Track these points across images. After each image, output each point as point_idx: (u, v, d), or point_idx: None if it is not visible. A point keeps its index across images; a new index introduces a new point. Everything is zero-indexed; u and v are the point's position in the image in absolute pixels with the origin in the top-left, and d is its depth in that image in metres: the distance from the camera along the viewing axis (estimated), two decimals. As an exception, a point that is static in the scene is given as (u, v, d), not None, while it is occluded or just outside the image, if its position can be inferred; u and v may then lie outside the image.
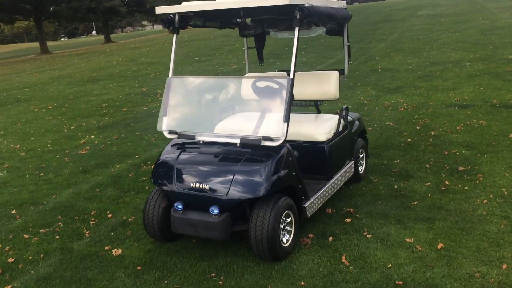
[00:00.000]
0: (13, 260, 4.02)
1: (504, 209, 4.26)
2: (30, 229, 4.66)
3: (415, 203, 4.56)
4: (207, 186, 3.67)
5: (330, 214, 4.47)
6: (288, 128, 3.66)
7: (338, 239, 3.95)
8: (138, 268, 3.74)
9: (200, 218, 3.61)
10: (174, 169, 3.87)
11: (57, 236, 4.44)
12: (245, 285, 3.39)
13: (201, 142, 4.00)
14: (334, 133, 4.57)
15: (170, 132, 4.14)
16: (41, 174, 6.49)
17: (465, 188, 4.79)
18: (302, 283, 3.36)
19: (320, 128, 4.48)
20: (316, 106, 5.10)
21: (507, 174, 5.02)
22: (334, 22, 4.55)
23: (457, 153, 5.85)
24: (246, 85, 4.46)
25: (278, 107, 3.77)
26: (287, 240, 3.74)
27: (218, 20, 4.69)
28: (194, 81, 4.38)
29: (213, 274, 3.55)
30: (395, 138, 6.74)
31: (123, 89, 14.17)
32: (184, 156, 3.95)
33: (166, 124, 4.16)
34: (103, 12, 54.58)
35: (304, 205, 3.93)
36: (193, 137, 4.03)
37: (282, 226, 3.67)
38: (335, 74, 4.87)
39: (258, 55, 5.78)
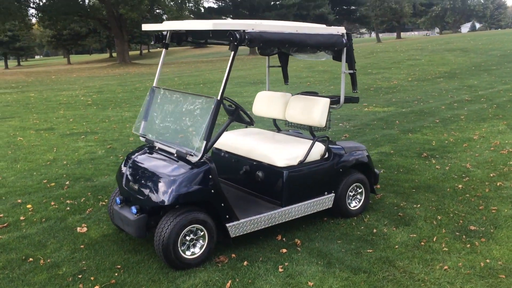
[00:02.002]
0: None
1: None
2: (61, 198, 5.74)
3: (370, 251, 4.19)
4: (137, 187, 4.12)
5: (276, 240, 4.42)
6: (207, 146, 3.87)
7: (252, 266, 3.95)
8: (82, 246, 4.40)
9: (125, 214, 4.08)
10: (125, 167, 4.41)
11: (68, 208, 5.39)
12: (142, 281, 3.72)
13: (156, 148, 4.45)
14: (300, 160, 4.48)
15: (141, 135, 4.69)
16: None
17: (450, 250, 4.18)
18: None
19: (282, 153, 4.46)
20: (310, 131, 5.02)
21: None
22: (306, 48, 4.46)
23: (494, 211, 5.00)
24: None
25: (201, 125, 3.98)
26: (193, 253, 3.93)
27: (199, 39, 5.00)
28: (167, 93, 4.80)
29: (119, 266, 3.99)
30: (448, 181, 6.02)
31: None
32: (136, 157, 4.46)
33: (140, 127, 4.73)
34: (312, 20, 57.12)
35: (226, 224, 4.04)
36: (153, 142, 4.51)
37: (188, 238, 3.88)
38: (324, 101, 4.75)
39: (283, 74, 5.87)
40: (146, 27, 4.52)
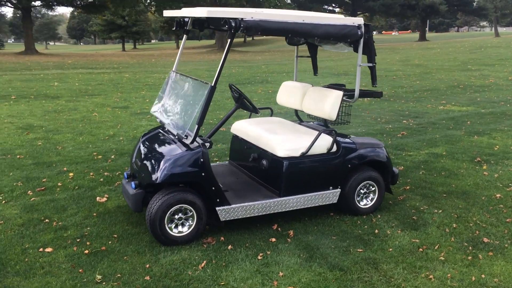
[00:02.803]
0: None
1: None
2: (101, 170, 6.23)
3: (360, 250, 4.06)
4: (139, 164, 4.39)
5: (271, 229, 4.45)
6: (198, 130, 4.02)
7: (235, 250, 4.02)
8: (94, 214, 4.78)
9: (127, 189, 4.37)
10: (137, 145, 4.71)
11: (101, 179, 5.86)
12: (129, 251, 4.00)
13: (166, 130, 4.68)
14: (302, 152, 4.45)
15: (153, 114, 4.97)
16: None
17: (447, 260, 3.92)
18: (147, 265, 3.76)
19: (285, 143, 4.46)
20: (325, 123, 4.93)
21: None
22: (314, 38, 4.37)
23: (521, 225, 4.57)
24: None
25: (195, 110, 4.12)
26: (180, 231, 4.11)
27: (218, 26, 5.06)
28: (178, 77, 4.96)
29: (115, 235, 4.29)
30: (488, 189, 5.58)
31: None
32: (147, 137, 4.73)
33: (154, 108, 5.00)
34: (422, 9, 54.26)
35: (216, 208, 4.17)
36: (163, 123, 4.75)
37: (177, 217, 4.07)
38: (336, 94, 4.64)
39: (312, 65, 5.79)
40: (169, 13, 4.69)
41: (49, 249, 3.99)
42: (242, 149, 5.13)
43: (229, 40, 3.97)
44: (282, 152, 4.40)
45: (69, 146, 7.43)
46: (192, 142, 4.08)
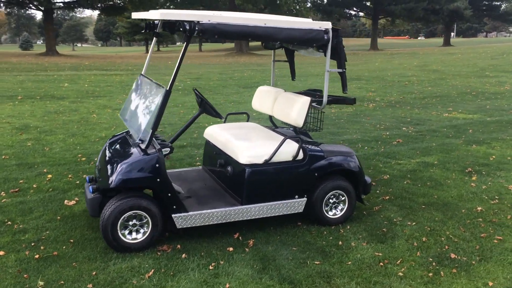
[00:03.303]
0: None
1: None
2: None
3: (318, 263, 3.92)
4: (99, 168, 4.35)
5: (232, 238, 4.34)
6: (152, 135, 3.94)
7: (188, 259, 3.92)
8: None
9: (86, 193, 4.33)
10: (102, 149, 4.66)
11: (77, 182, 5.83)
12: (80, 257, 3.94)
13: (130, 133, 4.63)
14: (265, 159, 4.32)
15: (121, 118, 4.92)
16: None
17: (405, 276, 3.75)
18: (94, 272, 3.70)
19: (248, 150, 4.34)
20: (294, 130, 4.81)
21: None
22: (276, 42, 4.25)
23: (496, 241, 4.35)
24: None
25: (151, 114, 4.04)
26: (134, 238, 4.03)
27: None
28: (144, 80, 4.88)
29: (72, 240, 4.24)
30: (471, 202, 5.36)
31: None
32: (111, 140, 4.69)
33: (122, 111, 4.95)
34: (446, 14, 53.38)
35: (172, 215, 4.08)
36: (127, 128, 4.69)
37: (131, 223, 4.00)
38: (303, 100, 4.51)
39: (290, 69, 5.66)
40: (135, 15, 4.62)
41: (1, 253, 3.96)
42: (212, 154, 5.04)
43: (185, 43, 3.89)
44: (244, 158, 4.29)
45: (57, 148, 7.45)
46: (146, 147, 4.00)
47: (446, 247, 4.21)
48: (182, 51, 3.92)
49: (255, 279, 3.64)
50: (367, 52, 43.85)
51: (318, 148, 4.59)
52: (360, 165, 4.77)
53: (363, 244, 4.26)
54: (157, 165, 3.99)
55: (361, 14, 54.89)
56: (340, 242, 4.28)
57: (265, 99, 5.23)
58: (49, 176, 6.01)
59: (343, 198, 4.67)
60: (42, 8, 35.48)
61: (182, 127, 4.63)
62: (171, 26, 4.82)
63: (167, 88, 3.95)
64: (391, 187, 5.81)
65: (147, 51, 70.03)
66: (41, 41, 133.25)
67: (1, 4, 36.43)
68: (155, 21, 4.84)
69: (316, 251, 4.11)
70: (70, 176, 6.03)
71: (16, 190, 5.50)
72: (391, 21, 51.86)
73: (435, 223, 4.75)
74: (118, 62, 29.78)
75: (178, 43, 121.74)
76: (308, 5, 46.31)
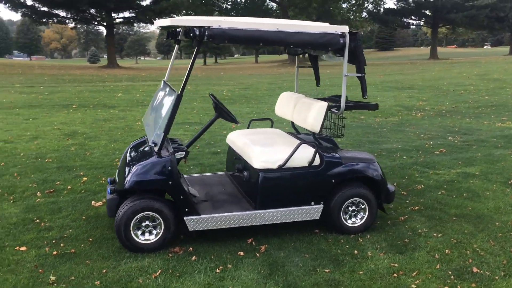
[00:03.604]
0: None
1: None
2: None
3: (328, 271, 3.80)
4: (118, 170, 4.47)
5: (245, 243, 4.31)
6: (164, 138, 4.02)
7: (197, 262, 3.93)
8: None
9: (107, 194, 4.46)
10: (124, 152, 4.80)
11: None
12: (95, 255, 4.05)
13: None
14: (279, 165, 4.27)
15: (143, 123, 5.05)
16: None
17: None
18: (105, 270, 3.79)
19: (263, 155, 4.31)
20: (313, 136, 4.73)
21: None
22: (290, 46, 4.21)
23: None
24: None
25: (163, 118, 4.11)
26: (147, 239, 4.09)
27: None
28: (163, 86, 4.95)
29: (91, 239, 4.37)
30: (509, 215, 5.04)
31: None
32: (133, 144, 4.82)
33: (144, 116, 5.07)
34: (512, 22, 51.01)
35: (184, 217, 4.11)
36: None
37: (144, 224, 4.07)
38: (320, 105, 4.43)
39: (314, 76, 5.57)
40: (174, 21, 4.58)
41: (23, 248, 4.14)
42: (232, 159, 5.05)
43: (195, 49, 3.93)
44: (258, 163, 4.26)
45: (97, 152, 7.74)
46: (159, 150, 4.07)
47: (470, 260, 3.96)
48: (193, 57, 3.98)
49: (259, 284, 3.59)
50: (426, 61, 42.56)
51: (336, 154, 4.48)
52: (383, 172, 4.60)
53: (380, 254, 4.09)
54: (169, 168, 4.04)
55: (420, 23, 53.41)
56: (355, 251, 4.14)
57: (286, 105, 5.18)
58: (84, 178, 6.25)
59: (363, 207, 4.52)
60: (105, 24, 37.30)
61: (198, 132, 4.68)
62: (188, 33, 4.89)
63: (178, 93, 4.00)
64: (423, 198, 5.56)
65: (205, 63, 71.64)
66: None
67: (68, 21, 38.51)
68: (177, 29, 4.93)
69: (328, 259, 3.99)
70: (103, 179, 6.23)
71: (52, 191, 5.76)
72: (452, 30, 50.04)
73: (463, 235, 4.49)
74: (172, 73, 30.57)
75: (236, 55, 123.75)
76: (364, 15, 45.66)
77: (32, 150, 7.82)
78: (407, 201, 5.44)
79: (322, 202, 4.40)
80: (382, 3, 46.50)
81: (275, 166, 4.27)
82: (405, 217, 4.93)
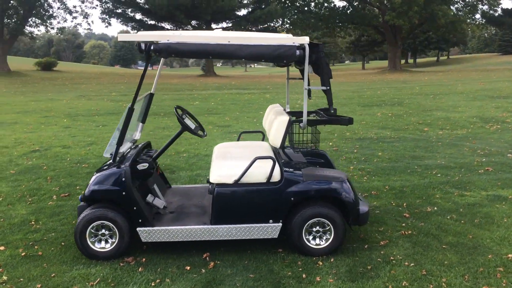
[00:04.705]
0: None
1: None
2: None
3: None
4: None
5: (199, 258, 4.29)
6: (117, 150, 4.16)
7: (141, 274, 3.99)
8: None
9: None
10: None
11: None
12: (55, 259, 4.33)
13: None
14: (235, 180, 4.20)
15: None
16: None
17: None
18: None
19: (220, 169, 4.28)
20: (279, 149, 4.56)
21: None
22: (238, 59, 4.10)
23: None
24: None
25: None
26: (102, 247, 4.26)
27: None
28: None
29: (63, 243, 4.66)
30: None
31: None
32: None
33: None
34: None
35: (137, 228, 4.22)
36: None
37: (100, 232, 4.24)
38: (281, 119, 4.27)
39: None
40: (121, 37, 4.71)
41: (2, 248, 4.53)
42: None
43: (145, 63, 4.03)
44: (213, 177, 4.23)
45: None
46: (113, 161, 4.21)
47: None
48: (144, 69, 4.07)
49: (181, 301, 3.55)
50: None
51: (298, 172, 4.27)
52: (353, 192, 4.29)
53: (330, 281, 3.82)
54: (123, 179, 4.16)
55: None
56: (304, 275, 3.91)
57: (266, 118, 5.06)
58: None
59: (328, 228, 4.25)
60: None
61: (164, 145, 4.78)
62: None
63: (129, 106, 4.11)
64: (425, 221, 5.07)
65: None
66: (220, 64, 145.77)
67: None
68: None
69: (270, 282, 3.83)
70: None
71: (66, 194, 6.21)
72: None
73: (439, 267, 4.02)
74: (262, 81, 31.15)
75: (347, 61, 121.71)
76: (477, 17, 42.43)
77: (79, 156, 8.48)
78: (403, 224, 5.00)
79: (281, 221, 4.22)
80: (497, 3, 42.78)
81: (230, 181, 4.19)
82: (386, 242, 4.53)
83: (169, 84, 28.40)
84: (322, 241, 4.28)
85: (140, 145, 4.93)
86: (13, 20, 35.58)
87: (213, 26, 39.80)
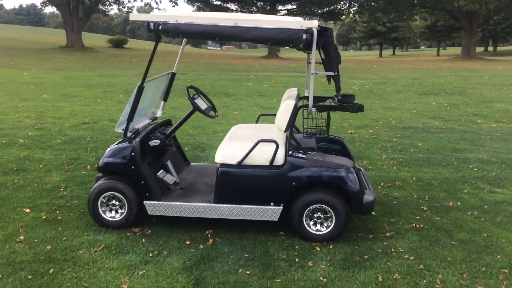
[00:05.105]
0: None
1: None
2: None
3: (249, 273, 3.73)
4: None
5: (201, 234, 4.42)
6: (128, 125, 4.36)
7: (144, 244, 4.18)
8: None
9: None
10: None
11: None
12: (71, 223, 4.64)
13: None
14: (238, 161, 4.27)
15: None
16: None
17: None
18: (81, 251, 4.31)
19: (225, 149, 4.36)
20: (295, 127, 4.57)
21: None
22: (248, 41, 4.09)
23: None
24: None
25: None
26: (112, 217, 4.50)
27: None
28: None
29: (82, 210, 4.96)
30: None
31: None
32: None
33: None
34: None
35: (144, 201, 4.42)
36: None
37: (111, 203, 4.49)
38: (287, 103, 4.27)
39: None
40: (132, 16, 4.36)
41: (27, 210, 4.91)
42: None
43: (155, 42, 4.15)
44: (218, 157, 4.32)
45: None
46: (124, 136, 4.41)
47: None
48: (153, 49, 4.19)
49: (173, 273, 3.70)
50: None
51: (302, 156, 4.26)
52: (357, 180, 4.22)
53: (321, 266, 3.82)
54: (132, 154, 4.36)
55: None
56: (297, 259, 3.93)
57: (282, 101, 5.04)
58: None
59: (329, 215, 4.23)
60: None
61: (176, 124, 4.92)
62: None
63: (139, 84, 4.26)
64: (442, 216, 4.90)
65: (380, 55, 69.47)
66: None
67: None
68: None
69: (261, 262, 3.89)
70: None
71: (96, 166, 6.54)
72: None
73: (440, 262, 3.90)
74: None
75: (422, 47, 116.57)
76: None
77: (123, 130, 8.86)
78: (417, 217, 4.85)
79: (282, 204, 4.25)
80: None
81: (234, 162, 4.26)
82: (393, 233, 4.44)
83: (229, 65, 28.73)
84: (323, 227, 4.26)
85: (159, 122, 5.10)
86: (87, -3, 37.35)
87: (279, 7, 39.57)
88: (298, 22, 4.02)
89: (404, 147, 7.85)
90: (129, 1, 39.55)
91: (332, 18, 40.37)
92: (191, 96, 4.75)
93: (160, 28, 4.00)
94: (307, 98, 5.00)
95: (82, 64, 24.86)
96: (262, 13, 40.49)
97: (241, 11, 41.06)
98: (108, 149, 4.51)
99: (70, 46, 35.99)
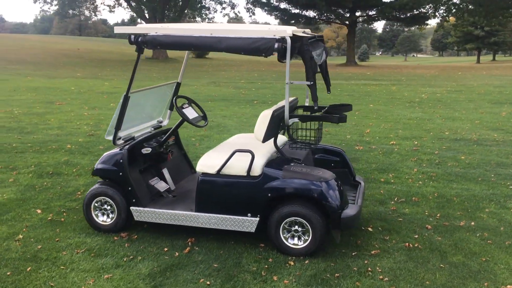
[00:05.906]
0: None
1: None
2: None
3: (208, 283, 3.73)
4: None
5: (181, 242, 4.48)
6: (116, 134, 4.55)
7: (124, 249, 4.31)
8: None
9: None
10: None
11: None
12: (71, 225, 4.92)
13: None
14: (216, 170, 4.29)
15: None
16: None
17: None
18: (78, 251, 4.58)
19: (206, 158, 4.39)
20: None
21: None
22: (218, 51, 4.09)
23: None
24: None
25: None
26: (104, 221, 4.71)
27: None
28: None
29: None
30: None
31: None
32: None
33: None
34: None
35: (130, 207, 4.58)
36: None
37: (103, 207, 4.71)
38: (264, 113, 4.21)
39: (324, 81, 5.05)
40: (117, 29, 4.47)
41: (39, 211, 5.28)
42: None
43: (137, 54, 4.30)
44: (198, 166, 4.36)
45: (204, 143, 8.62)
46: (113, 144, 4.60)
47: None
48: (136, 61, 4.34)
49: (136, 279, 3.78)
50: None
51: (277, 167, 4.17)
52: (337, 194, 4.04)
53: (285, 282, 3.72)
54: (121, 161, 4.54)
55: None
56: (263, 273, 3.86)
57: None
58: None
59: (306, 228, 4.10)
60: (347, 23, 38.31)
61: (168, 132, 5.01)
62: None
63: (125, 94, 4.43)
64: (444, 237, 4.55)
65: (478, 61, 65.25)
66: (380, 53, 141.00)
67: (312, 21, 40.67)
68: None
69: (226, 274, 3.85)
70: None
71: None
72: None
73: (413, 287, 3.62)
74: (403, 72, 29.53)
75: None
76: None
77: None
78: (416, 236, 4.54)
79: (258, 216, 4.19)
80: None
81: (213, 171, 4.29)
82: (378, 252, 4.19)
83: (299, 73, 28.60)
84: (300, 241, 4.13)
85: (160, 130, 5.25)
86: (172, 11, 39.21)
87: (358, 13, 38.77)
88: (271, 31, 3.96)
89: (443, 161, 7.35)
90: (209, 12, 40.91)
91: (416, 23, 38.71)
92: (180, 106, 4.84)
93: (139, 40, 4.14)
94: (303, 107, 4.90)
95: (160, 75, 26.13)
96: (340, 19, 39.95)
97: (319, 19, 40.83)
98: (103, 155, 4.73)
99: (155, 57, 37.99)
